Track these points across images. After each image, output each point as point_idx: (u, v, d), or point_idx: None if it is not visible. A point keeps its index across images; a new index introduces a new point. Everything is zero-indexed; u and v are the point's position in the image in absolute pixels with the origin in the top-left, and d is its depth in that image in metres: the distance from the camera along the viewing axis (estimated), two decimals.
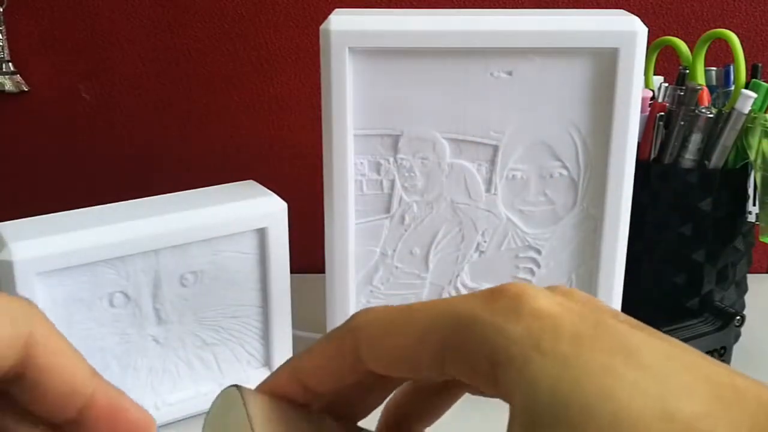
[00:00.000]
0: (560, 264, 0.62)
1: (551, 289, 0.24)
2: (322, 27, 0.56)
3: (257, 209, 0.59)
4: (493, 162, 0.60)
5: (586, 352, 0.21)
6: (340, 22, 0.56)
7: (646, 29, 0.56)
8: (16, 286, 0.51)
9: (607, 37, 0.56)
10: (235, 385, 0.25)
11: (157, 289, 0.57)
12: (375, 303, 0.64)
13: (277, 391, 0.26)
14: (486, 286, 0.62)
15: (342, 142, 0.58)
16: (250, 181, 0.63)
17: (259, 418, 0.24)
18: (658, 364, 0.20)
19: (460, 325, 0.22)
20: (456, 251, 0.62)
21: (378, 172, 0.60)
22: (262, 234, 0.59)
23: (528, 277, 0.63)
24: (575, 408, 0.20)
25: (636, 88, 0.57)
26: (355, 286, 0.62)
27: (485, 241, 0.62)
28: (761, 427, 0.19)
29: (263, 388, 0.27)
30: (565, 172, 0.60)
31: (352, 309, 0.62)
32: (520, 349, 0.21)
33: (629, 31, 0.56)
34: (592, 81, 0.57)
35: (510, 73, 0.58)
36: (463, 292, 0.63)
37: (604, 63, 0.57)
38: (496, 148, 0.59)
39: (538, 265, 0.62)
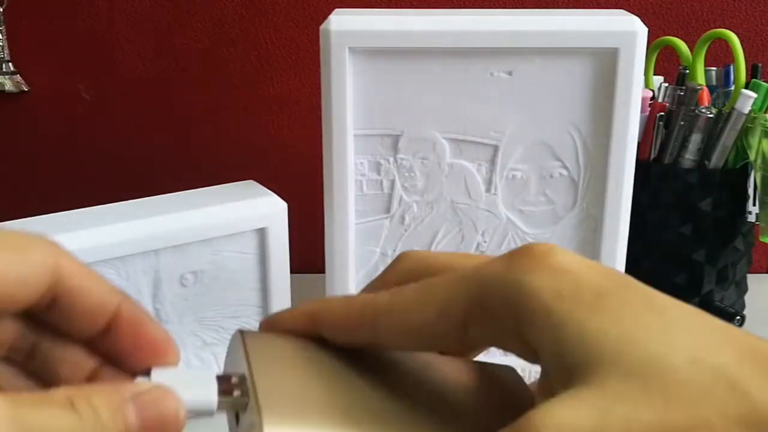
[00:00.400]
0: None
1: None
2: (322, 27, 0.56)
3: (257, 209, 0.59)
4: (493, 162, 0.60)
5: (610, 302, 0.21)
6: (340, 22, 0.56)
7: (646, 29, 0.56)
8: None
9: (607, 37, 0.56)
10: (240, 330, 0.26)
11: (157, 289, 0.57)
12: None
13: (293, 331, 0.27)
14: None
15: (342, 142, 0.58)
16: (250, 181, 0.63)
17: (258, 360, 0.24)
18: (685, 320, 0.21)
19: (482, 289, 0.22)
20: (456, 251, 0.62)
21: (378, 172, 0.60)
22: (262, 234, 0.59)
23: None
24: (605, 352, 0.20)
25: (636, 88, 0.57)
26: (355, 286, 0.62)
27: (485, 241, 0.62)
28: None
29: (277, 323, 0.27)
30: (565, 172, 0.60)
31: None
32: (543, 300, 0.21)
33: (629, 31, 0.56)
34: (592, 81, 0.57)
35: (510, 73, 0.58)
36: None
37: (604, 63, 0.57)
38: (496, 148, 0.59)
39: None
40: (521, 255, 0.22)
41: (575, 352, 0.20)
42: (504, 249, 0.62)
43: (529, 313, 0.21)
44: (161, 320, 0.57)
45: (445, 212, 0.61)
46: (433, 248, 0.62)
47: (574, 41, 0.56)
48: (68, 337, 0.26)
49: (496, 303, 0.22)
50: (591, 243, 0.61)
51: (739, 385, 0.19)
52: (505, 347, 0.23)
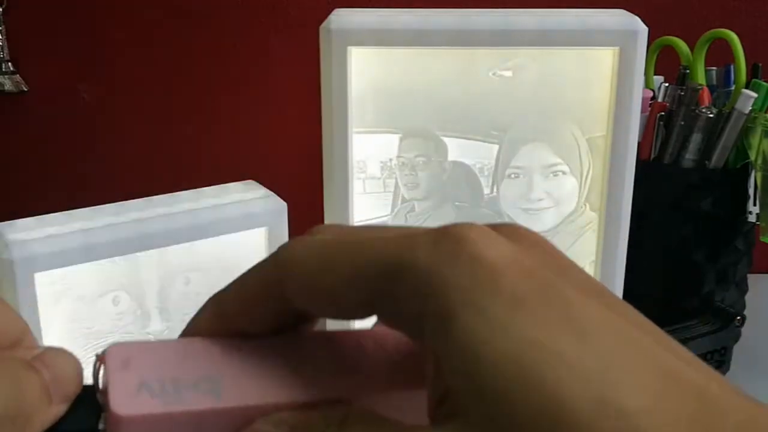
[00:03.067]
0: None
1: (501, 229, 0.21)
2: (322, 26, 0.56)
3: (257, 209, 0.59)
4: (493, 161, 0.60)
5: (522, 318, 0.18)
6: (340, 21, 0.55)
7: (646, 29, 0.56)
8: (16, 285, 0.51)
9: (607, 37, 0.56)
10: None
11: (158, 289, 0.57)
12: None
13: (206, 334, 0.25)
14: None
15: (342, 142, 0.58)
16: (250, 181, 0.63)
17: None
18: (606, 342, 0.18)
19: (394, 268, 0.20)
20: None
21: (379, 172, 0.60)
22: (262, 234, 0.59)
23: None
24: (494, 388, 0.17)
25: (636, 88, 0.57)
26: None
27: None
28: (700, 424, 0.17)
29: (187, 334, 0.25)
30: (565, 172, 0.60)
31: None
32: (450, 301, 0.18)
33: (630, 30, 0.56)
34: (593, 81, 0.57)
35: (511, 72, 0.58)
36: None
37: (605, 62, 0.57)
38: (496, 148, 0.59)
39: None
40: (441, 238, 0.19)
41: (463, 377, 0.18)
42: None
43: (432, 313, 0.19)
44: (163, 319, 0.57)
45: (446, 212, 0.61)
46: None
47: (575, 41, 0.56)
48: None
49: (403, 289, 0.19)
50: (591, 243, 0.61)
51: None
52: (406, 335, 0.21)
